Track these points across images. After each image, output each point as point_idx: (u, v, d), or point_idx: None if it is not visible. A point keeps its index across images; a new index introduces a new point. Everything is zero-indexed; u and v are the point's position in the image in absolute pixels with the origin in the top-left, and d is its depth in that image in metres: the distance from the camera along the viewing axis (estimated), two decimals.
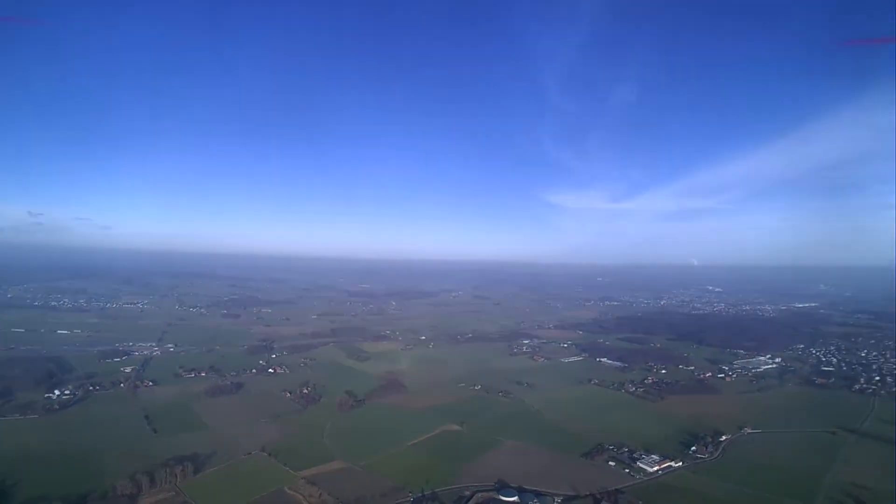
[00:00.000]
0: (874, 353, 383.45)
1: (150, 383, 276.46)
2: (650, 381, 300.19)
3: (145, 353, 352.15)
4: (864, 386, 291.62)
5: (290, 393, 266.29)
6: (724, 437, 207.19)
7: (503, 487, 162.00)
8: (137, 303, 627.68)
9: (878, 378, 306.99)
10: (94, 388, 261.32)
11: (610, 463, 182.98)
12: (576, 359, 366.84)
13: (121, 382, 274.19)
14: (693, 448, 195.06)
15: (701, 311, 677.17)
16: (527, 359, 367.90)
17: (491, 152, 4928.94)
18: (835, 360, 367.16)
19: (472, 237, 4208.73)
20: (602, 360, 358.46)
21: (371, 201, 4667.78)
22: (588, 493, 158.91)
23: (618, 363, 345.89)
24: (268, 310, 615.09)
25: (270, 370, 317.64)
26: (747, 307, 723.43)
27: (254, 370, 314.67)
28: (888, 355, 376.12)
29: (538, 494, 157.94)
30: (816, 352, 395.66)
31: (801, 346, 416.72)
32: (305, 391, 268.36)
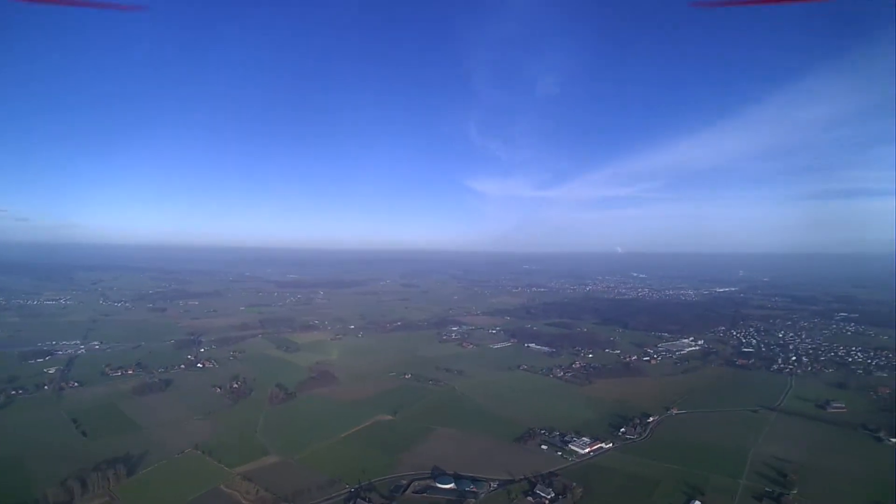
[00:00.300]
0: (790, 335, 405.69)
1: (76, 384, 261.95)
2: (578, 365, 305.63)
3: (70, 352, 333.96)
4: (782, 366, 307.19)
5: (221, 388, 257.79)
6: (651, 418, 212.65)
7: (439, 475, 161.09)
8: (60, 299, 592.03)
9: (794, 358, 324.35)
10: (17, 391, 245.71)
11: (542, 447, 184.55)
12: (504, 345, 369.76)
13: (45, 384, 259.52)
14: (622, 429, 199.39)
15: (626, 297, 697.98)
16: (456, 346, 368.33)
17: (419, 142, 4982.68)
18: (754, 341, 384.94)
19: (401, 226, 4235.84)
20: (530, 345, 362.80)
21: (300, 191, 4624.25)
22: (523, 476, 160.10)
23: (546, 348, 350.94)
24: (195, 302, 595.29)
25: (199, 365, 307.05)
26: (670, 292, 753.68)
27: (182, 365, 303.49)
28: (803, 336, 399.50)
29: (474, 480, 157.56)
30: (737, 334, 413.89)
31: (723, 328, 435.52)
32: (236, 385, 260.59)
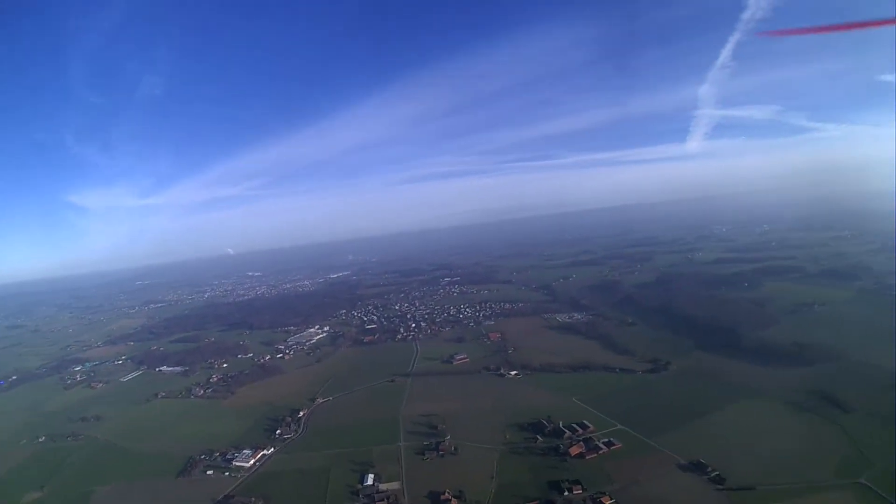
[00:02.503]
0: (406, 305, 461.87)
1: None
2: (215, 378, 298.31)
3: None
4: (405, 334, 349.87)
5: None
6: (301, 413, 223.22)
7: None
8: None
9: (414, 325, 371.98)
10: None
11: (208, 472, 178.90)
12: (135, 374, 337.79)
13: None
14: (278, 431, 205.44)
15: (245, 297, 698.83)
16: (84, 388, 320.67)
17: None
18: (375, 317, 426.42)
19: None
20: (162, 369, 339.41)
21: None
22: None
23: (178, 368, 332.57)
24: None
25: None
26: (288, 285, 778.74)
27: None
28: (417, 304, 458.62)
29: None
30: (358, 314, 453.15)
31: (344, 311, 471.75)
32: None
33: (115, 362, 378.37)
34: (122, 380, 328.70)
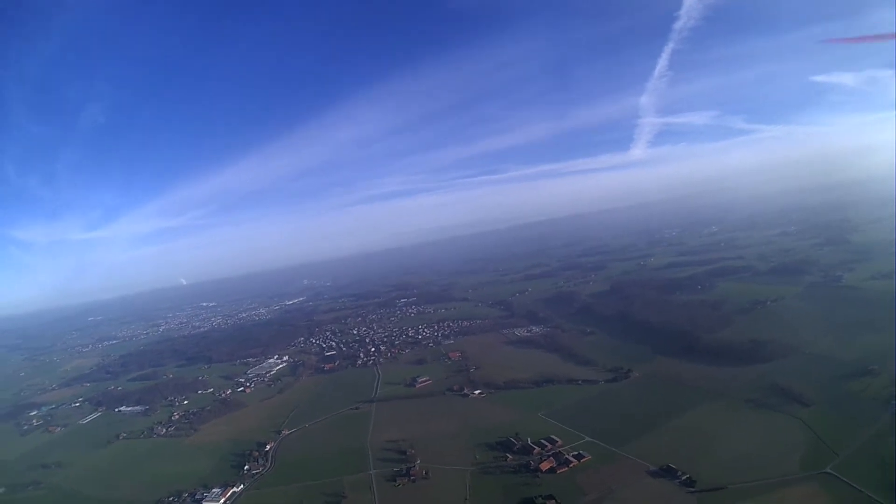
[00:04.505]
0: (364, 329, 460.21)
1: None
2: (177, 416, 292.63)
3: None
4: (365, 359, 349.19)
5: None
6: (268, 446, 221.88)
7: None
8: None
9: (373, 349, 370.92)
10: None
11: None
12: (94, 416, 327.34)
13: None
14: (247, 467, 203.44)
15: (201, 329, 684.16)
16: (42, 433, 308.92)
17: None
18: (334, 343, 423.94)
19: None
20: (121, 409, 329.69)
21: None
22: None
23: (138, 408, 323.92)
24: None
25: None
26: (244, 315, 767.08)
27: None
28: (375, 327, 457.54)
29: None
30: (316, 341, 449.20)
31: (302, 339, 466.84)
32: None
33: (73, 405, 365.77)
34: (80, 422, 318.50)
